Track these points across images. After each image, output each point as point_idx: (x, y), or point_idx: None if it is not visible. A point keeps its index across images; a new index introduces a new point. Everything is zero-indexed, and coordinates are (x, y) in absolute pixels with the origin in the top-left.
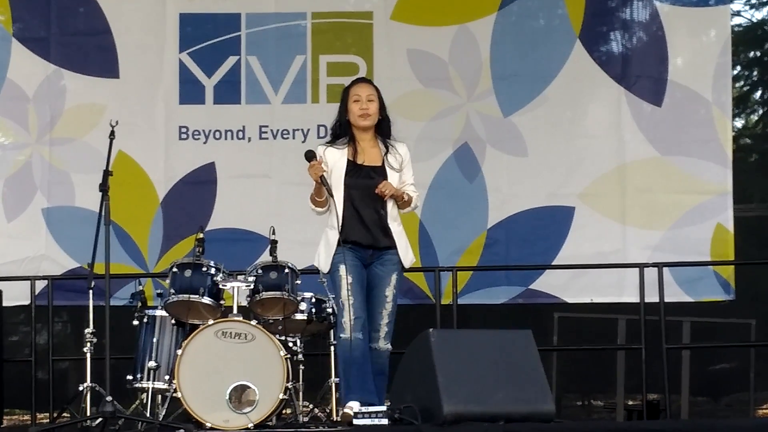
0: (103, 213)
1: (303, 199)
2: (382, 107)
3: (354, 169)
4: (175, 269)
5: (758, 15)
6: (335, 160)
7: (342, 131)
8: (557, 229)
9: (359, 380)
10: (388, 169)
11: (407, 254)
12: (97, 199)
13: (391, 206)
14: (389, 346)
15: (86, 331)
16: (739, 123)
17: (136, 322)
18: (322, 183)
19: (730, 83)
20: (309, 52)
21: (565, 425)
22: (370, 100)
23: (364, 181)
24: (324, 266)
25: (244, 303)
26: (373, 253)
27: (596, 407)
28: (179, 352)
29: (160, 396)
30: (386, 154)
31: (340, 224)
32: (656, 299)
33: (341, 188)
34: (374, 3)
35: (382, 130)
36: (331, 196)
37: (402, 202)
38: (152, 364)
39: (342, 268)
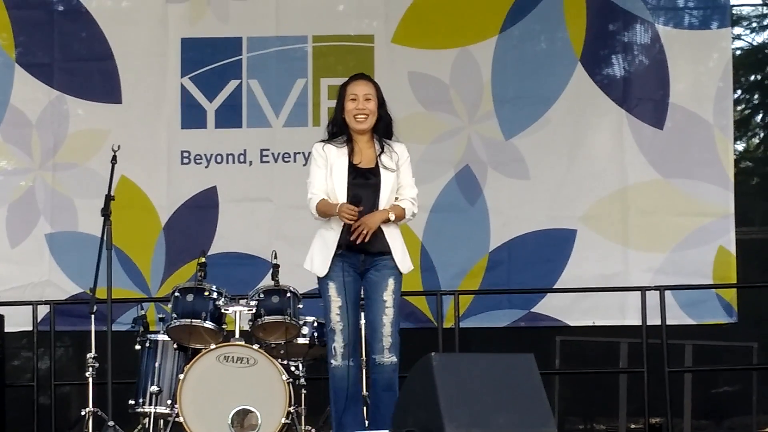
0: (105, 238)
1: (305, 222)
2: (381, 105)
3: (351, 171)
4: (177, 294)
5: (759, 39)
6: (334, 159)
7: (338, 130)
8: (559, 251)
9: (352, 413)
10: (382, 170)
11: (404, 260)
12: (100, 224)
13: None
14: (394, 358)
15: (88, 355)
16: (740, 146)
17: (138, 347)
18: (346, 229)
19: (731, 106)
20: (310, 76)
21: None
22: (368, 99)
23: (361, 183)
24: (320, 269)
25: (246, 327)
26: (366, 259)
27: (598, 431)
28: (181, 376)
29: (162, 420)
30: (380, 154)
31: (341, 225)
32: (658, 322)
33: (345, 191)
34: (375, 26)
35: (379, 129)
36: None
37: (393, 221)
38: (154, 388)
39: (332, 288)
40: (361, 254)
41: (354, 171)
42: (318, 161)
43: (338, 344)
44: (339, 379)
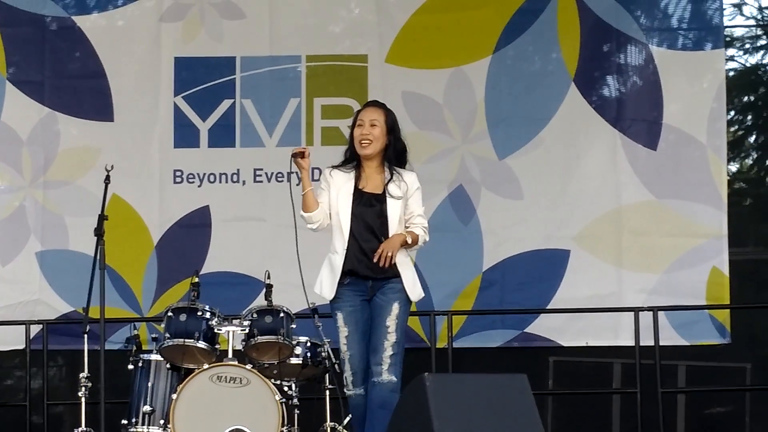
0: (98, 257)
1: (298, 242)
2: (391, 132)
3: (357, 195)
4: (170, 313)
5: (752, 60)
6: (341, 183)
7: (351, 156)
8: (552, 272)
9: None
10: (388, 198)
11: (414, 287)
12: (91, 243)
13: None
14: (393, 377)
15: (81, 375)
16: (734, 167)
17: (131, 366)
18: (293, 157)
19: (724, 127)
20: (303, 95)
21: None
22: (373, 125)
23: (365, 209)
24: (328, 293)
25: (240, 347)
26: (374, 285)
27: None
28: (174, 396)
29: None
30: (389, 181)
31: (345, 249)
32: (652, 343)
33: (348, 215)
34: (369, 46)
35: (388, 156)
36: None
37: (410, 245)
38: (147, 408)
39: (339, 318)
40: (368, 281)
41: (359, 196)
42: (321, 184)
43: (348, 373)
44: (354, 407)
